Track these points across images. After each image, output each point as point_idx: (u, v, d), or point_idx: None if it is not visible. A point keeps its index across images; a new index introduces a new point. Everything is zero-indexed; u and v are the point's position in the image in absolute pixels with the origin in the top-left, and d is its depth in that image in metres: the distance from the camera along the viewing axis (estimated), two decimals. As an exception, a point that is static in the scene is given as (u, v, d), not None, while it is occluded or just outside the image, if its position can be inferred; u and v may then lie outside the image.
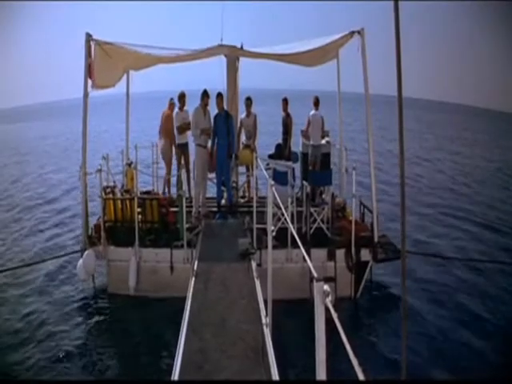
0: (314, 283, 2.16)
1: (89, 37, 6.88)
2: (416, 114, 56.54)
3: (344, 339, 1.82)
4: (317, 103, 9.30)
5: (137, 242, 7.18)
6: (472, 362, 5.78)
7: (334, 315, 1.94)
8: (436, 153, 25.50)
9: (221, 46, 8.43)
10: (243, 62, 9.32)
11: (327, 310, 2.06)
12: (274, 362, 3.90)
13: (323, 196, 8.83)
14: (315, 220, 7.67)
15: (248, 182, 9.92)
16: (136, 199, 7.31)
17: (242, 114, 9.40)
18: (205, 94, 8.52)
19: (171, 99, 9.61)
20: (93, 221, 7.86)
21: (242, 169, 9.90)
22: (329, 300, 2.05)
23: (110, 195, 7.67)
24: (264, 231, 6.90)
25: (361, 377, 1.68)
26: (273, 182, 4.66)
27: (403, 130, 2.11)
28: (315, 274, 2.25)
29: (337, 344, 1.95)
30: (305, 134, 9.41)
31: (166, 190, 9.71)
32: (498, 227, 11.69)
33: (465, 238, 10.75)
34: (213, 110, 8.61)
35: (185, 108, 9.16)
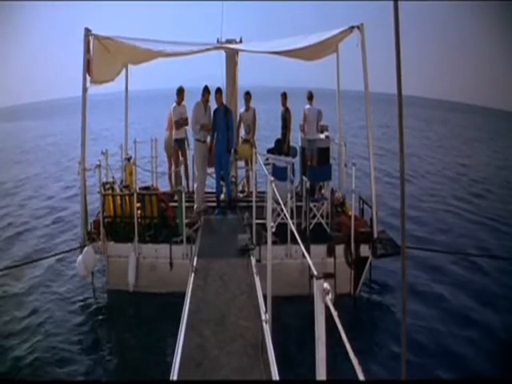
0: (314, 281, 2.15)
1: (87, 32, 6.82)
2: (415, 112, 56.34)
3: (344, 338, 1.80)
4: (310, 97, 9.30)
5: (136, 238, 7.16)
6: (473, 361, 5.71)
7: (334, 313, 1.93)
8: (436, 150, 25.45)
9: (220, 45, 8.43)
10: (242, 57, 9.28)
11: (327, 307, 2.05)
12: (274, 358, 3.88)
13: (323, 191, 8.81)
14: (315, 215, 7.66)
15: (247, 176, 9.90)
16: (135, 195, 7.29)
17: (241, 109, 9.38)
18: (206, 90, 8.52)
19: None
20: (92, 217, 7.84)
21: (241, 163, 9.87)
22: (329, 298, 2.03)
23: (110, 191, 7.64)
24: (263, 227, 6.90)
25: (361, 376, 1.67)
26: (272, 178, 4.64)
27: (403, 127, 2.09)
28: (315, 272, 2.24)
29: (337, 342, 1.93)
30: (302, 129, 9.40)
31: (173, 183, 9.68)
32: (501, 223, 11.69)
33: (466, 235, 10.74)
34: (213, 105, 8.60)
35: (183, 103, 9.13)
